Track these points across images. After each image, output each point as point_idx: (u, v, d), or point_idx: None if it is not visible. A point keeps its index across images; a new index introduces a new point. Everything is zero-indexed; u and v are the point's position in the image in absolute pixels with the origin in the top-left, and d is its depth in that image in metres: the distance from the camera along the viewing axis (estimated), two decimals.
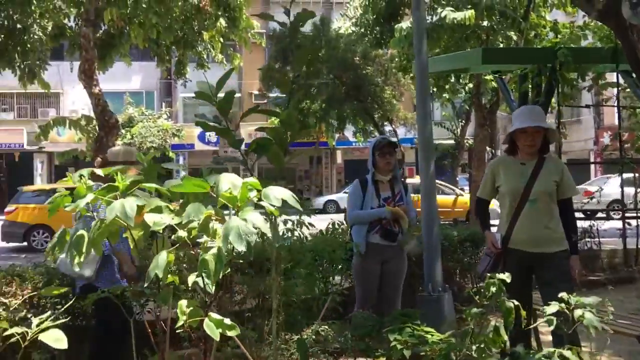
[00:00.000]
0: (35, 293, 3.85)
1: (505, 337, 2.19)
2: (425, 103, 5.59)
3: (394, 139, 4.64)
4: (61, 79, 25.38)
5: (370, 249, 4.59)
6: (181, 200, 2.06)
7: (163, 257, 1.72)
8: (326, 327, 3.12)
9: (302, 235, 4.31)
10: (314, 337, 2.98)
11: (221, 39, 13.11)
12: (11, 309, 1.97)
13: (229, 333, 1.67)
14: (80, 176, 2.00)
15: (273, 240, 2.37)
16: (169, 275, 1.85)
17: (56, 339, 1.75)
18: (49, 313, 1.93)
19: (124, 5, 10.78)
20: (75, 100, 28.53)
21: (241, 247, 1.63)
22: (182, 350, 2.78)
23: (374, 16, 14.11)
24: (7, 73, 13.52)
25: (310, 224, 4.15)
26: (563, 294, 2.25)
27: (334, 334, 3.11)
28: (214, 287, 1.77)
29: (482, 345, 2.16)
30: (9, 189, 25.24)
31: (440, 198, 15.91)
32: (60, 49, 15.50)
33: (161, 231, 1.89)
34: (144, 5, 10.82)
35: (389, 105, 13.26)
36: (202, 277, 1.70)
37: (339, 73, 12.52)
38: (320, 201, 27.28)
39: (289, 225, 4.11)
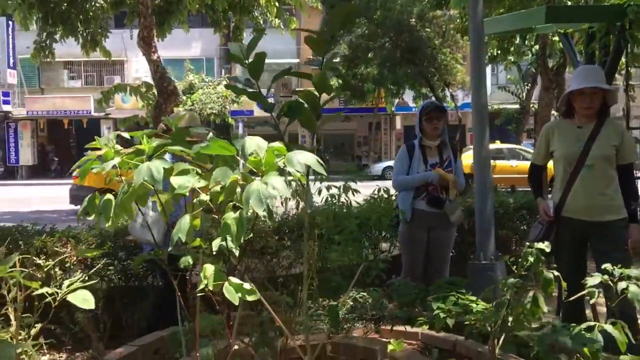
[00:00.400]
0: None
1: (545, 309, 2.08)
2: (480, 66, 5.36)
3: (446, 104, 4.46)
4: (125, 46, 26.01)
5: (416, 216, 4.50)
6: (211, 165, 2.04)
7: (186, 221, 1.71)
8: (364, 294, 3.07)
9: (348, 201, 4.25)
10: (352, 303, 2.95)
11: (277, 3, 13.00)
12: (46, 269, 2.03)
13: (248, 298, 1.66)
14: (111, 139, 2.00)
15: (305, 206, 2.32)
16: (195, 239, 1.85)
17: (83, 300, 1.79)
18: (79, 275, 1.98)
19: None
20: (139, 68, 29.18)
21: (260, 211, 1.59)
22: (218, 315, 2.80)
23: None
24: (73, 42, 13.87)
25: (356, 190, 4.08)
26: (608, 265, 2.11)
27: (372, 300, 3.06)
28: (238, 252, 1.76)
29: (520, 317, 2.06)
30: (78, 154, 26.31)
31: (500, 163, 15.54)
32: (122, 16, 15.82)
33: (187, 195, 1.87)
34: None
35: (446, 69, 12.84)
36: (227, 241, 1.68)
37: (394, 36, 12.18)
38: (378, 167, 27.10)
39: (334, 190, 4.06)
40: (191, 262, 1.85)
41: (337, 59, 13.69)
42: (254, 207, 1.61)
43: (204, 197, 1.74)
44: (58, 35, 13.40)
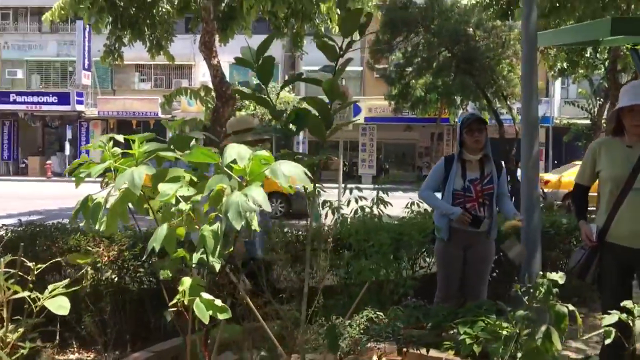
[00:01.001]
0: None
1: (559, 345, 1.88)
2: (531, 78, 5.13)
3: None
4: (193, 51, 26.63)
5: (452, 234, 4.29)
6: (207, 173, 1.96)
7: (162, 230, 1.64)
8: (380, 313, 2.92)
9: (379, 214, 4.11)
10: (366, 323, 2.81)
11: (338, 10, 12.95)
12: (36, 272, 2.00)
13: (220, 316, 1.57)
14: (105, 142, 1.96)
15: (311, 219, 2.21)
16: (179, 250, 1.77)
17: (59, 306, 1.75)
18: (67, 280, 1.94)
19: None
20: (205, 72, 29.78)
21: (238, 226, 1.50)
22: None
23: None
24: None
25: (388, 202, 3.95)
26: (629, 302, 1.90)
27: (387, 320, 2.91)
28: (218, 265, 1.67)
29: (533, 353, 1.88)
30: None
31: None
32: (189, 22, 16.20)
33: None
34: None
35: (504, 80, 12.37)
36: (212, 255, 1.60)
37: (450, 45, 11.88)
38: None
39: (365, 202, 3.94)
40: (170, 275, 1.77)
41: (392, 68, 13.56)
42: (231, 221, 1.52)
43: (183, 206, 1.66)
44: (126, 39, 13.82)
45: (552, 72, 17.04)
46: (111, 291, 4.49)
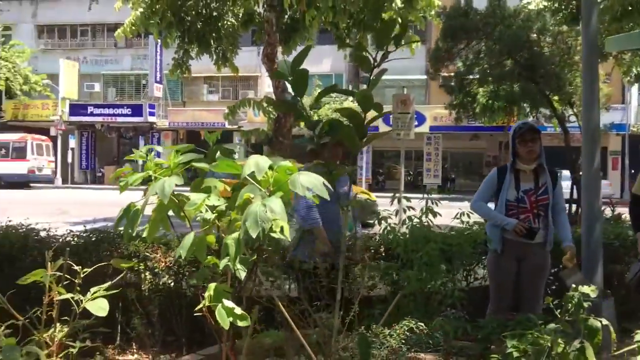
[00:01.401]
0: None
1: None
2: (593, 84, 4.96)
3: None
4: (259, 63, 27.20)
5: (505, 246, 4.19)
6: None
7: (189, 238, 1.71)
8: (421, 323, 2.90)
9: (429, 223, 4.06)
10: (406, 333, 2.79)
11: (399, 20, 12.89)
12: (83, 275, 2.10)
13: (239, 323, 1.61)
14: (147, 152, 2.06)
15: (344, 229, 2.23)
16: (209, 257, 1.83)
17: (99, 307, 1.84)
18: (108, 283, 2.04)
19: None
20: (270, 83, 30.35)
21: (254, 234, 1.54)
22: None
23: None
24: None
25: (437, 212, 3.90)
26: None
27: (426, 331, 2.87)
28: (244, 273, 1.72)
29: None
30: None
31: None
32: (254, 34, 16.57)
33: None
34: None
35: (570, 87, 11.89)
36: (232, 262, 1.65)
37: (512, 52, 11.57)
38: None
39: (413, 212, 3.91)
40: (201, 282, 1.84)
41: (452, 74, 13.35)
42: (249, 229, 1.56)
43: (209, 215, 1.73)
44: (194, 52, 14.27)
45: (628, 78, 16.33)
46: (167, 296, 4.64)
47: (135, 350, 4.85)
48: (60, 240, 5.09)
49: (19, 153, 30.06)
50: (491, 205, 4.41)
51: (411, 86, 30.17)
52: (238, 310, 1.64)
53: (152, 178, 1.95)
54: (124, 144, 36.28)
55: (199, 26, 13.75)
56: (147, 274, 4.55)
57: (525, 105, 17.44)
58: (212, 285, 1.69)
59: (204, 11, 13.71)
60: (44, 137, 31.84)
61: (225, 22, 14.09)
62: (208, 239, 1.80)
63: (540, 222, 4.21)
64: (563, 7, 13.06)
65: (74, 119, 33.68)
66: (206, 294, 1.69)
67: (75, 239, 5.03)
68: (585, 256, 4.93)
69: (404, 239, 3.85)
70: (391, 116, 14.58)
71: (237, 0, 13.93)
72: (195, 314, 2.01)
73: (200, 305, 1.66)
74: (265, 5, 13.33)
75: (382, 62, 2.38)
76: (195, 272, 4.58)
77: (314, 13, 11.57)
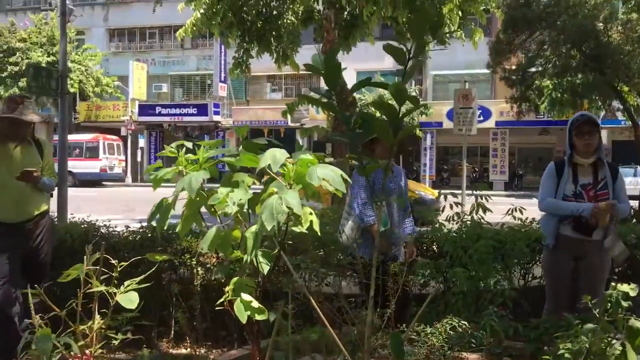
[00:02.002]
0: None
1: None
2: None
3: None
4: (321, 60, 27.27)
5: (561, 242, 4.01)
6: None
7: (212, 232, 1.71)
8: (465, 323, 2.80)
9: (481, 220, 3.95)
10: (450, 332, 2.71)
11: (460, 13, 12.60)
12: (120, 269, 2.12)
13: (257, 317, 1.59)
14: (179, 147, 2.08)
15: (378, 226, 2.18)
16: (234, 251, 1.83)
17: (129, 300, 1.88)
18: (141, 277, 2.08)
19: None
20: None
21: (269, 227, 1.53)
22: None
23: None
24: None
25: (488, 208, 3.78)
26: None
27: (472, 330, 2.78)
28: (267, 268, 1.71)
29: None
30: None
31: None
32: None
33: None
34: None
35: None
36: (250, 255, 1.64)
37: (578, 42, 11.02)
38: None
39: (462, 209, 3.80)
40: (223, 277, 1.84)
41: (514, 67, 12.90)
42: (264, 222, 1.55)
43: (230, 209, 1.72)
44: (254, 51, 14.42)
45: None
46: (219, 290, 4.70)
47: (188, 345, 4.95)
48: (120, 235, 5.25)
49: (92, 153, 31.36)
50: None
51: (476, 81, 29.53)
52: (255, 304, 1.63)
53: (184, 173, 1.96)
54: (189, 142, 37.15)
55: (259, 25, 13.87)
56: (199, 269, 4.63)
57: (595, 97, 16.72)
58: (235, 280, 1.69)
59: (264, 10, 13.81)
60: (114, 137, 33.08)
61: (285, 20, 14.17)
62: (234, 234, 1.80)
63: (601, 219, 3.99)
64: None
65: (142, 119, 34.86)
66: (227, 288, 1.69)
67: (132, 235, 5.18)
68: None
69: (453, 237, 3.75)
70: (453, 111, 14.32)
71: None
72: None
73: (222, 299, 1.66)
74: (324, 3, 13.35)
75: (420, 55, 2.31)
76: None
77: (372, 8, 11.45)
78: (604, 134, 30.00)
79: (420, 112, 26.75)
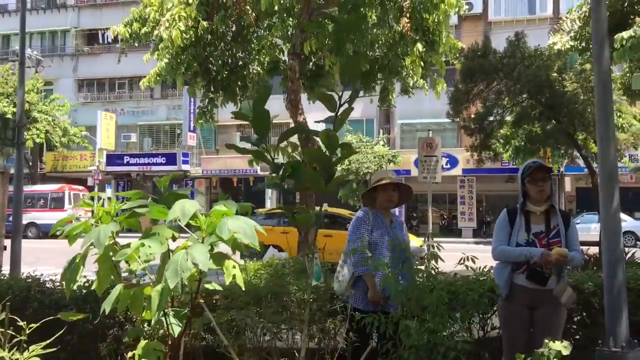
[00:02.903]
0: None
1: None
2: (608, 123, 4.77)
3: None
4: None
5: (515, 292, 3.93)
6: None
7: (116, 291, 1.58)
8: None
9: (434, 270, 3.86)
10: None
11: (422, 64, 12.83)
12: None
13: None
14: (93, 199, 1.96)
15: (309, 279, 2.08)
16: (145, 312, 1.70)
17: None
18: (48, 341, 1.92)
19: (322, 37, 11.16)
20: None
21: (172, 284, 1.41)
22: None
23: None
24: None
25: (440, 258, 3.70)
26: None
27: None
28: (178, 329, 1.58)
29: None
30: None
31: None
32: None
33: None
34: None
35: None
36: (156, 316, 1.52)
37: (534, 91, 11.32)
38: None
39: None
40: (130, 339, 1.70)
41: (473, 116, 13.14)
42: (168, 280, 1.43)
43: (135, 265, 1.60)
44: (219, 101, 14.43)
45: None
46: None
47: None
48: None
49: (57, 203, 30.73)
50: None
51: (442, 129, 29.97)
52: None
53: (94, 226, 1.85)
54: (158, 192, 36.75)
55: (224, 75, 13.94)
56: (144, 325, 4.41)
57: (554, 145, 17.07)
58: (142, 344, 1.56)
59: (229, 60, 13.91)
60: (80, 187, 32.54)
61: (250, 70, 14.27)
62: (145, 291, 1.67)
63: (553, 267, 3.94)
64: (590, 45, 12.83)
65: (110, 168, 34.44)
66: (130, 354, 1.55)
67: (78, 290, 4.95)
68: (608, 303, 4.63)
69: (404, 287, 3.65)
70: (418, 159, 14.43)
71: (263, 49, 14.15)
72: None
73: None
74: (289, 54, 13.50)
75: (353, 101, 2.26)
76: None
77: (333, 59, 11.60)
78: (567, 181, 30.61)
79: (389, 160, 26.97)
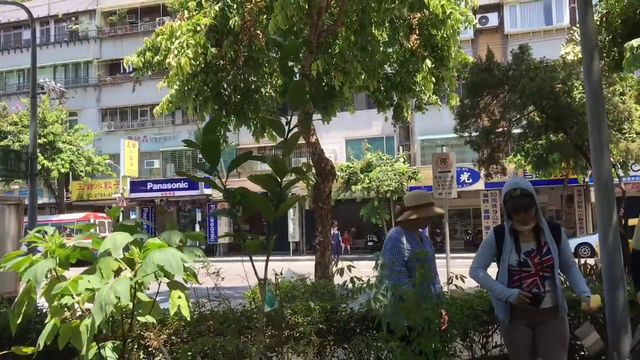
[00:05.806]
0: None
1: None
2: (601, 131, 4.70)
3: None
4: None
5: (515, 314, 3.84)
6: None
7: (49, 325, 1.60)
8: None
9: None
10: None
11: (433, 80, 12.81)
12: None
13: None
14: (39, 231, 1.98)
15: (262, 305, 2.07)
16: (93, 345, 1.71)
17: None
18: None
19: (330, 56, 11.23)
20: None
21: (98, 319, 1.42)
22: None
23: (610, 37, 12.54)
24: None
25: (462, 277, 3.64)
26: None
27: None
28: None
29: None
30: (268, 233, 28.07)
31: None
32: None
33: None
34: (348, 53, 11.18)
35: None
36: (84, 350, 1.52)
37: (539, 103, 11.17)
38: (572, 244, 24.64)
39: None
40: None
41: (479, 131, 13.03)
42: (94, 314, 1.44)
43: (67, 299, 1.62)
44: (232, 125, 14.53)
45: None
46: None
47: None
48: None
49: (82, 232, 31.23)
50: (493, 270, 4.06)
51: (462, 144, 29.76)
52: None
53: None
54: (183, 217, 37.13)
55: (236, 99, 14.04)
56: (140, 353, 4.45)
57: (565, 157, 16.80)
58: None
59: (242, 85, 14.02)
60: (105, 215, 33.00)
61: (263, 93, 14.36)
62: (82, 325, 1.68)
63: (547, 285, 3.84)
64: (604, 54, 12.69)
65: (134, 195, 34.91)
66: None
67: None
68: (611, 319, 4.54)
69: (391, 308, 3.61)
70: (432, 175, 14.36)
71: (275, 72, 14.25)
72: None
73: None
74: (300, 75, 13.57)
75: (307, 123, 2.26)
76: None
77: (342, 78, 11.64)
78: (592, 191, 30.06)
79: (409, 177, 26.84)
